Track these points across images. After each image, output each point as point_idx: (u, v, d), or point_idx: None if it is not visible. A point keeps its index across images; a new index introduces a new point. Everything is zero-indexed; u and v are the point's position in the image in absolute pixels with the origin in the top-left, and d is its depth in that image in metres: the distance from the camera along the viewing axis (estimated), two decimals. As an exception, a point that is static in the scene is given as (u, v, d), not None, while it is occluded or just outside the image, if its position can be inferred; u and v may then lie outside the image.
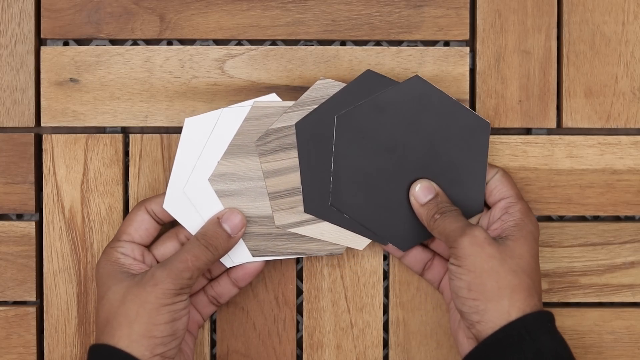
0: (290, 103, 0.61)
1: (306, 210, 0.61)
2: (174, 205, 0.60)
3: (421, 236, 0.61)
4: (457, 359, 0.64)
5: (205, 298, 0.62)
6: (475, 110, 0.64)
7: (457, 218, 0.57)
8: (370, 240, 0.62)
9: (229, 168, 0.60)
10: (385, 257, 0.65)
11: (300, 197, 0.61)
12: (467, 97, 0.64)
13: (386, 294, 0.65)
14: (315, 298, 0.64)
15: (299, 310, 0.65)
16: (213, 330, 0.65)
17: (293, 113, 0.60)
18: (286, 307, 0.64)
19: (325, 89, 0.61)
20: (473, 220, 0.61)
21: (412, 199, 0.60)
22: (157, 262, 0.60)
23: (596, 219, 0.65)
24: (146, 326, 0.54)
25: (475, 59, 0.65)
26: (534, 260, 0.57)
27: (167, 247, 0.61)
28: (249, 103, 0.61)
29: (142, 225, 0.60)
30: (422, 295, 0.65)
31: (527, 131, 0.65)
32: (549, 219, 0.65)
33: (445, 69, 0.64)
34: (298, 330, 0.65)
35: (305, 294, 0.64)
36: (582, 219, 0.66)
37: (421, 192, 0.60)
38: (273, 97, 0.61)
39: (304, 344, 0.64)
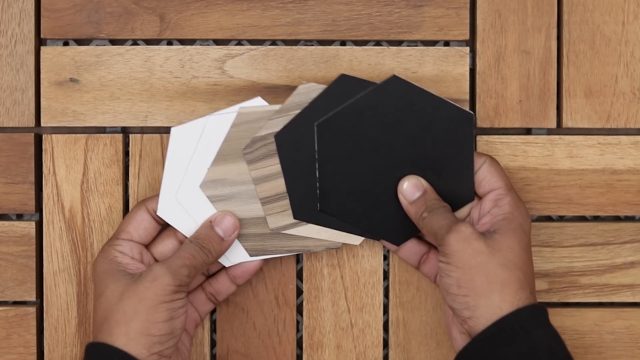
0: (276, 107, 0.60)
1: (295, 217, 0.61)
2: (168, 211, 0.60)
3: (414, 230, 0.61)
4: (457, 359, 0.64)
5: (204, 295, 0.62)
6: (475, 110, 0.64)
7: (445, 215, 0.57)
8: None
9: (219, 174, 0.60)
10: (385, 257, 0.65)
11: None
12: (467, 97, 0.64)
13: (386, 294, 0.65)
14: (315, 298, 0.64)
15: (299, 310, 0.65)
16: (213, 330, 0.65)
17: (277, 120, 0.60)
18: (286, 307, 0.64)
19: (308, 93, 0.60)
20: (464, 211, 0.61)
21: (400, 196, 0.60)
22: (156, 261, 0.60)
23: (596, 219, 0.65)
24: (144, 324, 0.54)
25: (475, 59, 0.65)
26: (525, 253, 0.56)
27: (165, 244, 0.61)
28: (235, 109, 0.61)
29: (141, 225, 0.60)
30: (422, 295, 0.65)
31: (527, 131, 0.65)
32: (549, 219, 0.65)
33: (445, 69, 0.64)
34: (298, 330, 0.65)
35: (305, 294, 0.64)
36: (582, 219, 0.66)
37: (409, 189, 0.59)
38: (258, 102, 0.61)
39: (304, 344, 0.64)
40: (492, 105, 0.64)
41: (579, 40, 0.64)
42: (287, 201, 0.61)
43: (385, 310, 0.65)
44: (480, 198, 0.60)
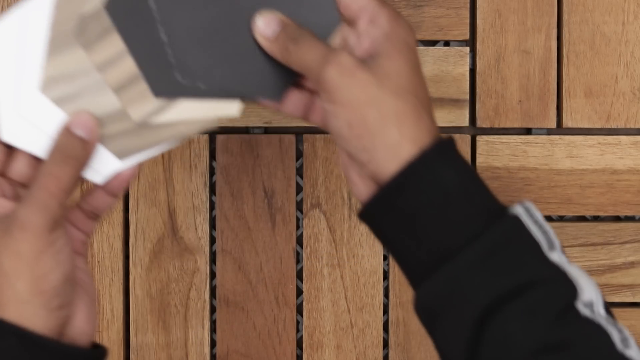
0: None
1: (156, 95, 0.51)
2: (12, 132, 0.50)
3: (289, 78, 0.53)
4: (457, 359, 0.64)
5: (82, 214, 0.52)
6: (475, 110, 0.64)
7: (314, 43, 0.49)
8: (241, 103, 0.53)
9: (57, 68, 0.51)
10: (385, 257, 0.65)
11: None
12: (467, 97, 0.64)
13: (386, 294, 0.65)
14: (315, 298, 0.64)
15: (299, 310, 0.65)
16: (213, 330, 0.65)
17: None
18: (286, 307, 0.64)
19: None
20: (336, 40, 0.52)
21: (259, 38, 0.51)
22: (19, 185, 0.51)
23: (596, 219, 0.65)
24: (31, 282, 0.46)
25: (475, 59, 0.65)
26: (415, 74, 0.48)
27: (21, 161, 0.51)
28: None
29: None
30: (422, 295, 0.65)
31: (527, 131, 0.65)
32: (549, 219, 0.65)
33: (445, 69, 0.64)
34: (298, 330, 0.65)
35: (305, 294, 0.64)
36: (582, 219, 0.66)
37: (265, 26, 0.51)
38: None
39: (304, 344, 0.64)
40: (492, 105, 0.64)
41: (579, 40, 0.64)
42: (144, 83, 0.51)
43: (385, 310, 0.65)
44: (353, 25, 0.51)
